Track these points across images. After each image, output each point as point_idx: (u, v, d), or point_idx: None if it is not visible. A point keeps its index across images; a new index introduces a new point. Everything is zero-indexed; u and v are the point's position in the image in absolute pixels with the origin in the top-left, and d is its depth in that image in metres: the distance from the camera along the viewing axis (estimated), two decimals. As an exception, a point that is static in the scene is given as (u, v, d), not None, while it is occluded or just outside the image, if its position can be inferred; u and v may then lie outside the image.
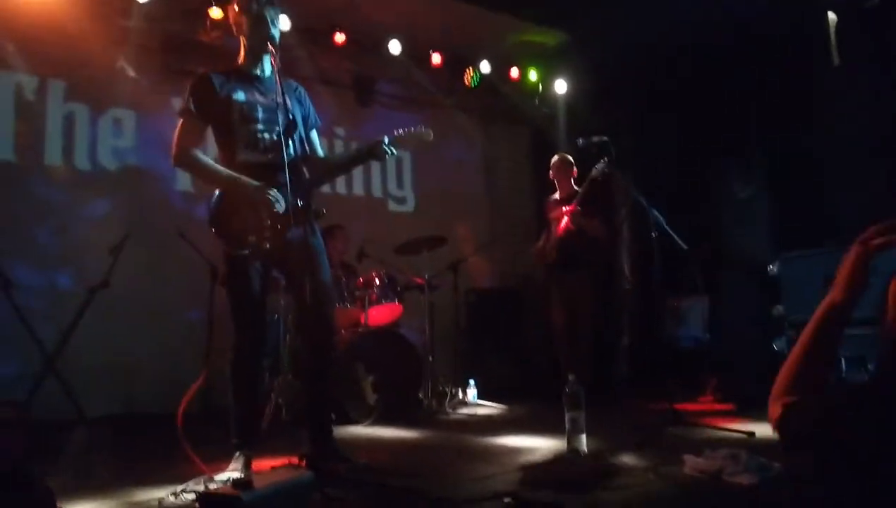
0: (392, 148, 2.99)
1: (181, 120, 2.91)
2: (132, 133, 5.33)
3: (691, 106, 5.97)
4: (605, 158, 4.27)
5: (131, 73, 5.18)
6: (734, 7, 5.14)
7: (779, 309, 4.59)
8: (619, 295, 6.65)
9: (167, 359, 4.92)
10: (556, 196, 5.01)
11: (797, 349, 1.20)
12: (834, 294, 1.18)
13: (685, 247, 3.65)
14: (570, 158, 5.01)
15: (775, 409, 1.17)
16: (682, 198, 5.62)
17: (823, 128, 5.26)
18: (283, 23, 5.15)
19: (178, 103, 5.14)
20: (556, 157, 5.05)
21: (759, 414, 3.81)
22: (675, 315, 5.92)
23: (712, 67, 5.72)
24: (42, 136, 4.98)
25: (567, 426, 3.10)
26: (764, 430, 3.33)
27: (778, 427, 1.16)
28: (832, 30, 5.29)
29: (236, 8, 2.97)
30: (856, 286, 1.16)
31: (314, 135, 3.18)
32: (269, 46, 2.88)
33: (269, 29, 2.90)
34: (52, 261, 4.83)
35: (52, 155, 5.01)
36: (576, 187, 4.85)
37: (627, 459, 2.96)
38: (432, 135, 3.09)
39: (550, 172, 5.02)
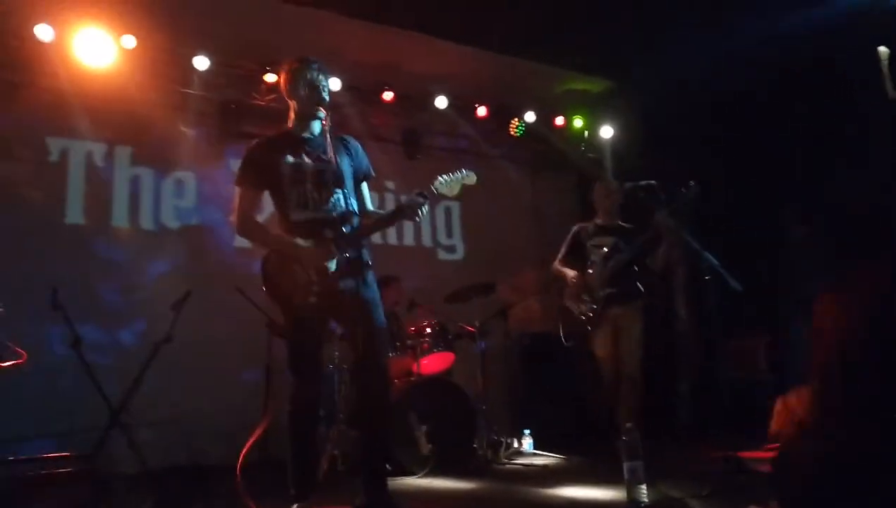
0: (422, 203, 2.94)
1: (238, 190, 3.06)
2: (193, 193, 5.59)
3: (740, 145, 5.91)
4: (669, 207, 4.01)
5: (191, 136, 5.47)
6: (781, 49, 5.12)
7: (844, 347, 4.41)
8: (676, 339, 6.51)
9: (227, 411, 5.02)
10: (598, 221, 4.73)
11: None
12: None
13: (739, 288, 3.57)
14: (615, 184, 4.74)
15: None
16: (736, 238, 5.54)
17: (880, 162, 5.14)
18: (334, 83, 5.37)
19: (234, 164, 5.41)
20: (598, 183, 4.83)
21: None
22: (735, 357, 5.75)
23: (762, 107, 5.68)
24: (110, 199, 5.27)
25: (626, 476, 3.03)
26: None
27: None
28: (885, 63, 5.21)
29: (285, 74, 3.10)
30: None
31: (364, 187, 3.26)
32: (320, 109, 3.01)
33: (319, 93, 3.02)
34: (118, 318, 5.05)
35: (119, 216, 5.29)
36: (621, 222, 4.69)
37: (690, 509, 2.87)
38: (475, 177, 3.14)
39: (595, 197, 4.77)
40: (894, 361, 1.03)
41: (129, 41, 4.86)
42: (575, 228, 4.84)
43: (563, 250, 4.75)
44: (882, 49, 5.21)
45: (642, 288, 4.51)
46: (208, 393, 5.09)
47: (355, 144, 3.27)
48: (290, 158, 3.01)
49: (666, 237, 4.23)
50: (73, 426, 4.38)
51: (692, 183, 4.05)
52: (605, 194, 4.71)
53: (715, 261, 3.69)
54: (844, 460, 1.03)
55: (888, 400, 1.00)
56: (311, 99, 3.02)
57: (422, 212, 2.96)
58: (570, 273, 4.58)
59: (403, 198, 3.37)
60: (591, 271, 4.53)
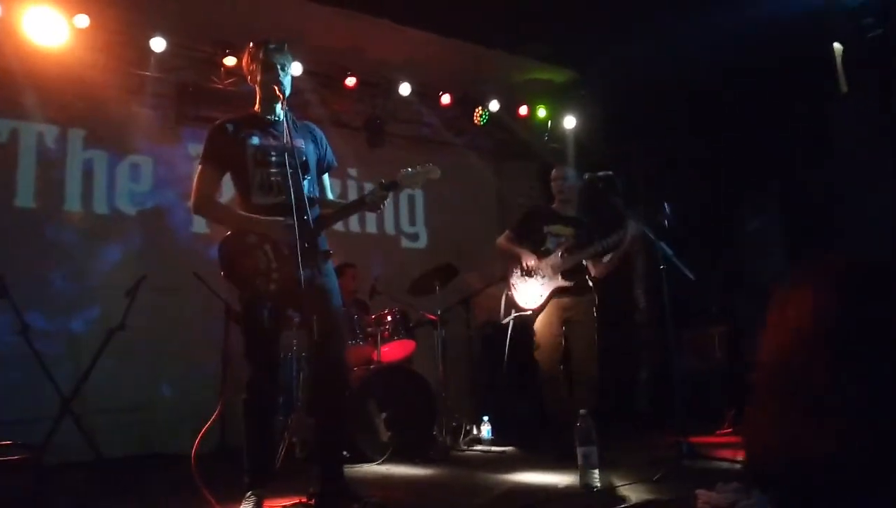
0: (385, 195, 2.97)
1: (199, 168, 3.00)
2: (149, 178, 5.48)
3: (700, 136, 6.02)
4: (635, 225, 3.98)
5: (147, 120, 5.35)
6: (742, 40, 5.20)
7: (796, 337, 4.52)
8: (635, 328, 6.62)
9: (183, 399, 4.97)
10: (555, 208, 4.58)
11: None
12: None
13: (692, 277, 3.65)
14: (573, 171, 4.61)
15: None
16: (694, 228, 5.65)
17: (836, 155, 5.29)
18: (295, 68, 5.30)
19: (192, 148, 5.33)
20: (556, 168, 4.67)
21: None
22: (691, 346, 5.88)
23: (721, 100, 5.78)
24: (62, 183, 5.13)
25: (579, 461, 3.08)
26: (781, 462, 3.27)
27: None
28: (839, 59, 5.35)
29: (245, 57, 3.09)
30: None
31: (325, 177, 3.25)
32: (279, 92, 2.97)
33: (279, 76, 2.99)
34: (70, 305, 4.93)
35: (72, 201, 5.15)
36: (577, 215, 4.55)
37: (640, 494, 2.92)
38: (439, 172, 3.13)
39: (554, 184, 4.61)
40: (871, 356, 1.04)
41: (83, 20, 4.71)
42: (530, 208, 4.75)
43: (515, 227, 4.60)
44: (836, 45, 5.35)
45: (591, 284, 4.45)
46: (164, 380, 5.03)
47: (320, 133, 3.27)
48: (257, 140, 2.98)
49: (627, 247, 4.17)
50: (25, 415, 4.28)
51: (665, 205, 3.96)
52: (562, 179, 4.56)
53: (669, 251, 3.76)
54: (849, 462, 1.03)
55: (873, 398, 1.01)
56: (269, 81, 2.99)
57: (384, 204, 2.99)
58: (526, 252, 4.41)
59: (367, 187, 3.34)
60: (546, 257, 4.37)
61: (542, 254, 4.41)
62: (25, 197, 4.98)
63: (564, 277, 4.31)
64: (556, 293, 4.33)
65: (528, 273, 4.39)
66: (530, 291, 4.38)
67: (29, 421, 4.20)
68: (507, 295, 4.57)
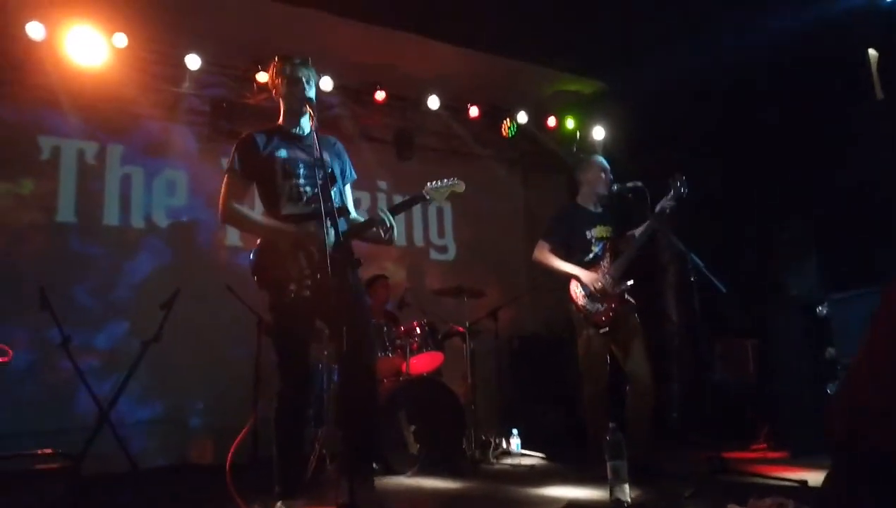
0: (390, 215, 3.01)
1: (226, 178, 3.07)
2: (184, 192, 5.59)
3: (731, 147, 5.95)
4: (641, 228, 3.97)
5: (183, 135, 5.48)
6: (772, 49, 5.15)
7: (830, 351, 4.46)
8: (666, 340, 6.54)
9: (216, 410, 5.04)
10: (588, 207, 4.22)
11: None
12: None
13: (723, 289, 3.61)
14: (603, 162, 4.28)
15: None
16: (726, 240, 5.58)
17: (869, 165, 5.19)
18: (325, 83, 5.40)
19: (226, 163, 5.43)
20: (593, 161, 4.32)
21: (813, 462, 3.69)
22: (722, 359, 5.79)
23: (751, 108, 5.71)
24: (101, 198, 5.26)
25: (609, 475, 3.05)
26: (816, 479, 3.21)
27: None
28: (874, 65, 5.26)
29: (273, 71, 3.15)
30: None
31: (347, 189, 3.30)
32: (306, 106, 3.03)
33: (304, 89, 3.05)
34: (108, 317, 5.04)
35: (110, 215, 5.28)
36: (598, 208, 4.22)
37: (672, 509, 2.89)
38: (464, 186, 3.17)
39: (588, 176, 4.24)
40: None
41: (121, 40, 4.85)
42: (561, 212, 4.34)
43: (552, 236, 4.16)
44: (871, 52, 5.26)
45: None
46: (198, 391, 5.10)
47: (340, 146, 3.32)
48: (285, 152, 3.05)
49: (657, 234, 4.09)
50: (64, 425, 4.39)
51: (676, 176, 3.93)
52: (601, 172, 4.19)
53: (700, 263, 3.72)
54: None
55: None
56: (295, 94, 3.06)
57: (394, 233, 3.03)
58: (581, 271, 3.99)
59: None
60: (600, 267, 4.01)
61: (592, 264, 4.04)
62: (67, 212, 5.12)
63: (622, 281, 3.96)
64: (619, 303, 3.95)
65: (597, 291, 3.95)
66: (602, 308, 3.94)
67: (67, 430, 4.31)
68: (577, 313, 4.05)
